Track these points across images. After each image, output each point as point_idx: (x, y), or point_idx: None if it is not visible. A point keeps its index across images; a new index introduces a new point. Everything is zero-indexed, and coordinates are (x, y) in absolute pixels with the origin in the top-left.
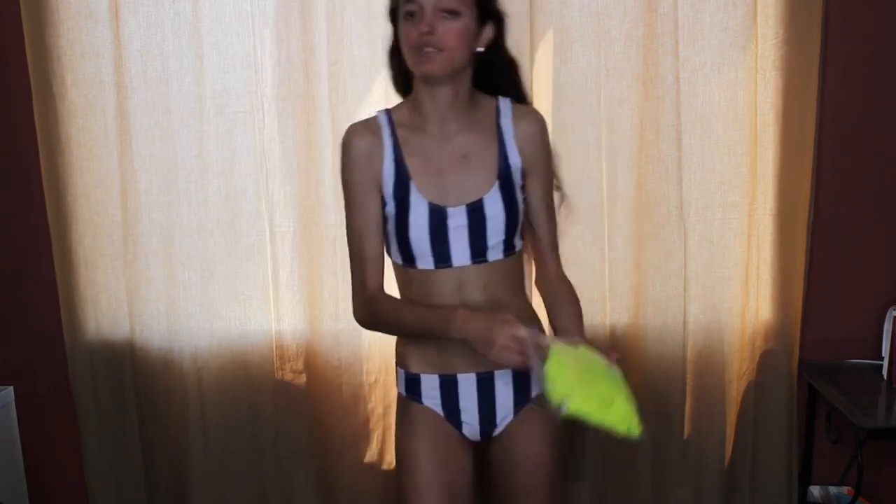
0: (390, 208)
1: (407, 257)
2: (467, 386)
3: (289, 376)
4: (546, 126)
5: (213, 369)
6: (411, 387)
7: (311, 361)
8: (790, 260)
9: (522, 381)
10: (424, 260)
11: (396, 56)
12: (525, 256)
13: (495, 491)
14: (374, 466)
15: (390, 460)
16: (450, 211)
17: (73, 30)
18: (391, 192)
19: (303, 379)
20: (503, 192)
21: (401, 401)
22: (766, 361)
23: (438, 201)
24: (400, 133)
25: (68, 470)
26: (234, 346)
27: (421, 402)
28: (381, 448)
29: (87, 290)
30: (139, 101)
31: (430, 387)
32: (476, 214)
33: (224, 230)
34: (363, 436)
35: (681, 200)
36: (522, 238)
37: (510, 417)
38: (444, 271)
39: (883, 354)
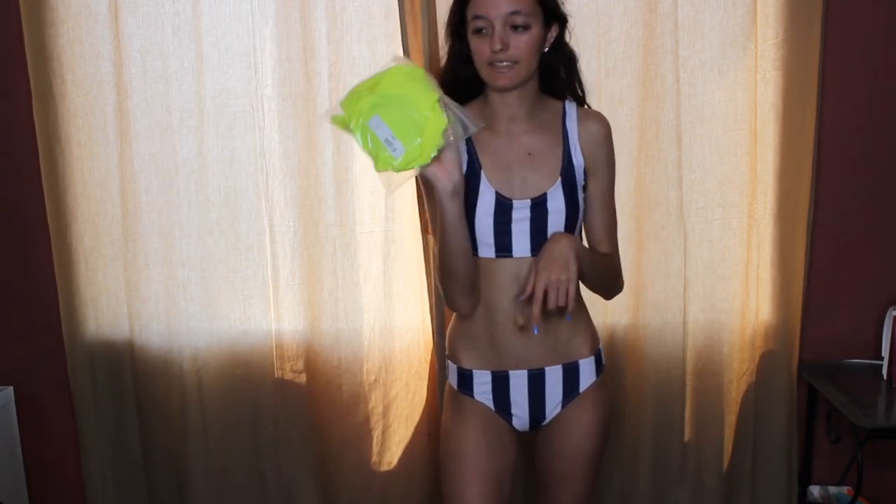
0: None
1: (472, 245)
2: (519, 382)
3: (289, 376)
4: (610, 130)
5: (213, 369)
6: (463, 382)
7: (311, 361)
8: (790, 260)
9: (571, 375)
10: (486, 249)
11: (453, 66)
12: None
13: (537, 476)
14: (374, 466)
15: (390, 460)
16: (515, 203)
17: (73, 30)
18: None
19: (303, 379)
20: (565, 188)
21: (451, 392)
22: (766, 361)
23: (505, 193)
24: None
25: (68, 470)
26: (234, 346)
27: (472, 397)
28: (381, 448)
29: (86, 290)
30: (139, 101)
31: (483, 382)
32: (539, 208)
33: (224, 230)
34: (363, 436)
35: (681, 200)
36: (582, 238)
37: (558, 410)
38: (504, 261)
39: (883, 354)
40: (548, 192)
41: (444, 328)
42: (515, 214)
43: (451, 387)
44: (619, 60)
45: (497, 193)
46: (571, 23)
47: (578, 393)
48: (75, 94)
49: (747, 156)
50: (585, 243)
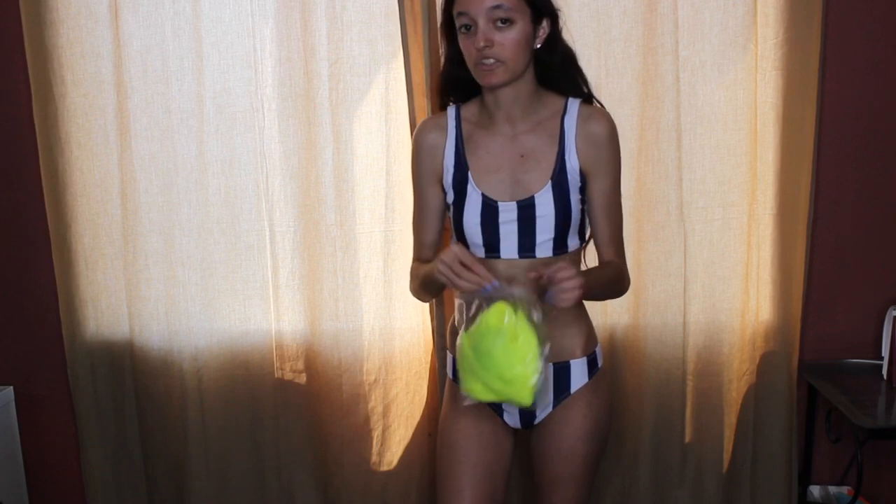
0: (450, 197)
1: (463, 244)
2: None
3: (289, 376)
4: (613, 128)
5: (213, 369)
6: (457, 372)
7: (311, 361)
8: (790, 260)
9: (562, 375)
10: (476, 249)
11: (448, 69)
12: (582, 255)
13: (533, 477)
14: (374, 466)
15: (390, 460)
16: (501, 206)
17: (73, 30)
18: (450, 182)
19: (303, 379)
20: (555, 191)
21: (449, 385)
22: (766, 361)
23: (492, 195)
24: (465, 128)
25: (68, 470)
26: (234, 346)
27: None
28: (381, 448)
29: (86, 290)
30: (139, 101)
31: None
32: (526, 211)
33: (224, 230)
34: (363, 436)
35: (681, 200)
36: (581, 239)
37: (549, 409)
38: (493, 261)
39: (883, 354)
40: (535, 195)
41: (445, 328)
42: (502, 216)
43: (449, 380)
44: (619, 60)
45: (483, 196)
46: (563, 18)
47: (569, 394)
48: (75, 94)
49: (747, 156)
50: (592, 245)
